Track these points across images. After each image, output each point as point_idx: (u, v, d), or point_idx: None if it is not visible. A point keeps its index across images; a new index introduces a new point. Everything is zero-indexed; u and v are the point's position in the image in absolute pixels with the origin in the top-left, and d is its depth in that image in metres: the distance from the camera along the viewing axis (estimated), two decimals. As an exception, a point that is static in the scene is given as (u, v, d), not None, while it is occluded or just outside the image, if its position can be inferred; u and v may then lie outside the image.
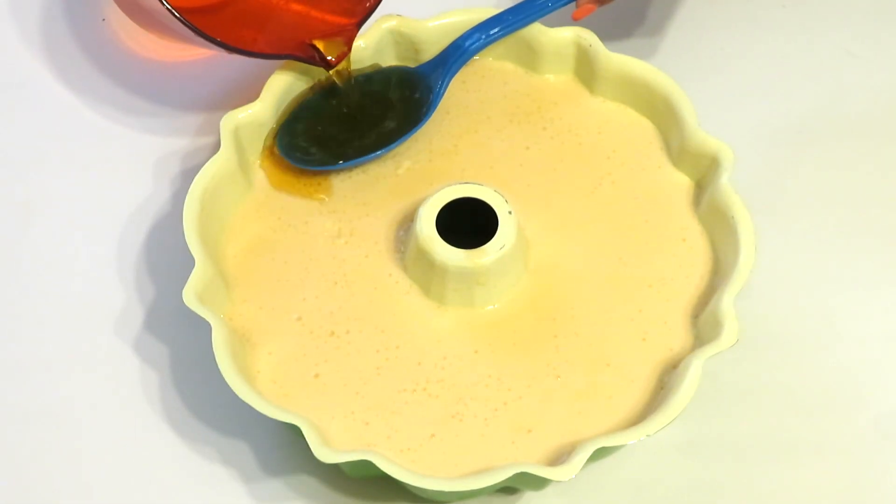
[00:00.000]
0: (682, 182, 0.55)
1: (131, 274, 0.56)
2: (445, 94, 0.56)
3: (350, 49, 0.55)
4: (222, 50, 0.52)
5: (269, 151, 0.55)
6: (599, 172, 0.55)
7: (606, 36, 0.56)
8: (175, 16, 0.51)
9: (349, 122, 0.55)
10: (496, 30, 0.56)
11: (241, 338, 0.51)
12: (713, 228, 0.53)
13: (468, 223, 0.52)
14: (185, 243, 0.51)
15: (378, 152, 0.55)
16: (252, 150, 0.55)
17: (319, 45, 0.54)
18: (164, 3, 0.50)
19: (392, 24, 0.56)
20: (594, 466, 0.51)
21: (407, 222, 0.53)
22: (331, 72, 0.55)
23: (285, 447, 0.52)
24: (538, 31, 0.56)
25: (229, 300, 0.52)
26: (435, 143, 0.56)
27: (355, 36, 0.55)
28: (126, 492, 0.52)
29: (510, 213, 0.52)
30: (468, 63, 0.57)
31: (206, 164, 0.53)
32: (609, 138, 0.56)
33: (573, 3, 0.56)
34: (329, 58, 0.54)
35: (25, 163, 0.59)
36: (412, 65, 0.57)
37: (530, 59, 0.57)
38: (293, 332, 0.51)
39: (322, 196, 0.55)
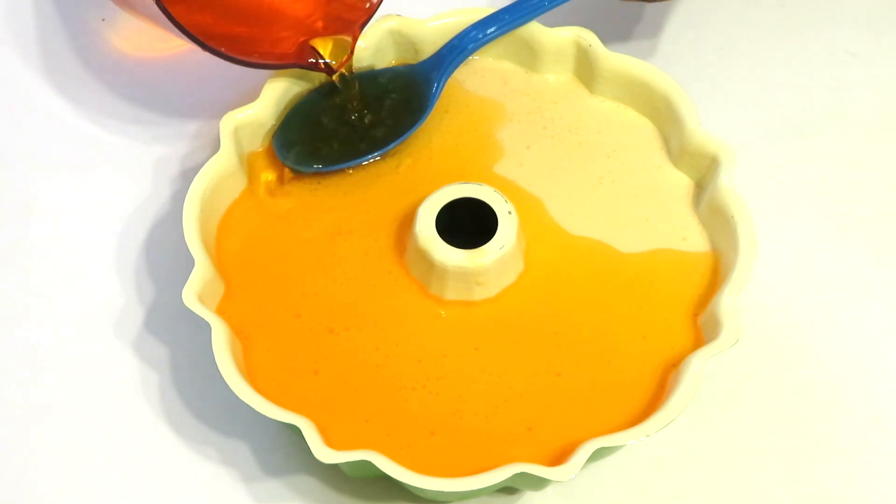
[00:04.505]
0: (682, 181, 0.55)
1: (131, 274, 0.56)
2: (445, 92, 0.56)
3: (352, 54, 0.55)
4: (221, 59, 0.52)
5: (268, 151, 0.55)
6: (599, 172, 0.55)
7: (606, 36, 0.56)
8: (185, 31, 0.51)
9: (348, 123, 0.55)
10: (493, 28, 0.56)
11: (241, 335, 0.51)
12: (713, 228, 0.53)
13: (468, 223, 0.52)
14: (185, 243, 0.51)
15: (377, 153, 0.55)
16: (252, 149, 0.55)
17: (323, 50, 0.54)
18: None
19: (392, 24, 0.56)
20: (594, 466, 0.51)
21: (407, 220, 0.53)
22: (333, 75, 0.55)
23: (285, 447, 0.52)
24: (538, 31, 0.56)
25: (229, 299, 0.52)
26: (434, 142, 0.56)
27: (357, 37, 0.55)
28: (125, 492, 0.52)
29: (510, 213, 0.52)
30: (468, 63, 0.57)
31: (206, 165, 0.53)
32: (609, 138, 0.56)
33: (570, 2, 0.56)
34: (331, 63, 0.54)
35: (25, 163, 0.59)
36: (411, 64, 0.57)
37: (530, 58, 0.57)
38: (292, 330, 0.51)
39: (321, 194, 0.55)
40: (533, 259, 0.53)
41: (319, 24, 0.56)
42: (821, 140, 0.60)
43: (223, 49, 0.52)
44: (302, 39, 0.55)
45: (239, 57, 0.53)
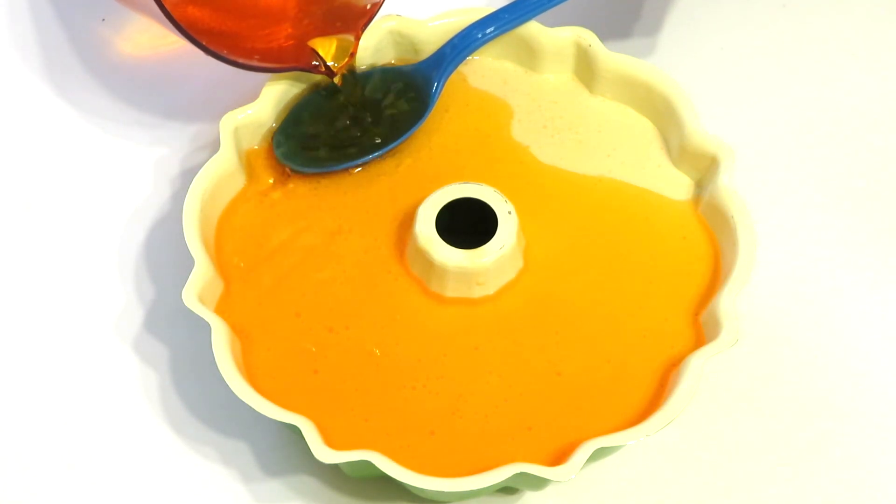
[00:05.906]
0: (682, 181, 0.55)
1: (131, 274, 0.56)
2: (445, 92, 0.56)
3: (354, 55, 0.55)
4: (222, 62, 0.52)
5: (268, 151, 0.55)
6: (599, 171, 0.55)
7: (606, 35, 0.56)
8: (186, 34, 0.51)
9: (348, 123, 0.55)
10: (493, 28, 0.56)
11: (240, 334, 0.51)
12: (713, 228, 0.53)
13: (468, 222, 0.52)
14: (185, 243, 0.51)
15: (377, 153, 0.55)
16: (251, 149, 0.55)
17: (325, 51, 0.54)
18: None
19: (392, 24, 0.56)
20: (594, 466, 0.51)
21: (407, 220, 0.53)
22: (335, 78, 0.55)
23: (285, 447, 0.52)
24: (537, 31, 0.56)
25: (228, 298, 0.52)
26: (434, 141, 0.56)
27: (360, 37, 0.55)
28: (125, 492, 0.52)
29: (510, 212, 0.52)
30: (468, 62, 0.57)
31: (206, 165, 0.53)
32: (609, 137, 0.56)
33: (570, 2, 0.56)
34: (333, 65, 0.54)
35: (25, 163, 0.59)
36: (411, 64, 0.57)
37: (530, 58, 0.57)
38: (292, 329, 0.51)
39: (321, 193, 0.55)
40: (533, 257, 0.53)
41: (319, 22, 0.56)
42: (821, 140, 0.60)
43: (225, 52, 0.52)
44: (298, 39, 0.55)
45: (239, 59, 0.53)
